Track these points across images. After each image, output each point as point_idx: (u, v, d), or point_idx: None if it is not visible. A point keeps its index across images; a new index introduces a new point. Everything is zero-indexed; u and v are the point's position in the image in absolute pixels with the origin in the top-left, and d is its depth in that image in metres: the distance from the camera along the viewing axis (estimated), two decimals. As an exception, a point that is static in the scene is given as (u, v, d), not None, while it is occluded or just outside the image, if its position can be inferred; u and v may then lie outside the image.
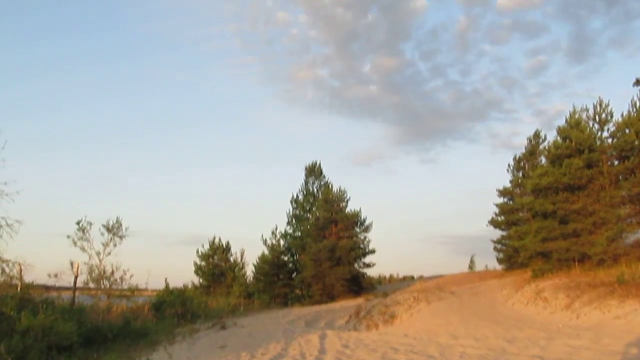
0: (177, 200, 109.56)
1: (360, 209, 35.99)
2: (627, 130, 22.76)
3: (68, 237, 22.30)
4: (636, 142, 21.91)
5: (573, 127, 24.39)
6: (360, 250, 35.17)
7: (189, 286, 35.81)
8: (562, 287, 18.41)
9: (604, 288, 16.37)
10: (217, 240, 40.27)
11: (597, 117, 24.74)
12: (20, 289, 16.14)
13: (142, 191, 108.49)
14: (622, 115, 23.52)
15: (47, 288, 19.09)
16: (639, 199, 21.70)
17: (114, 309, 21.07)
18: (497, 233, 33.78)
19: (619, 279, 16.58)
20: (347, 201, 36.68)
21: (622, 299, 14.75)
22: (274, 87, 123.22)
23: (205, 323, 21.43)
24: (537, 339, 12.03)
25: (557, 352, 10.35)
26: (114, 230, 23.06)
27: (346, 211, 35.88)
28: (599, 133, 24.67)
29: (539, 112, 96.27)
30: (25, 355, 12.26)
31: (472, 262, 49.90)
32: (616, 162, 23.46)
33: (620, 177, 22.96)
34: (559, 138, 25.19)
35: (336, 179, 73.09)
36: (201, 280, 39.33)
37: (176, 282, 36.43)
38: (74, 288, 20.16)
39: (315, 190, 40.60)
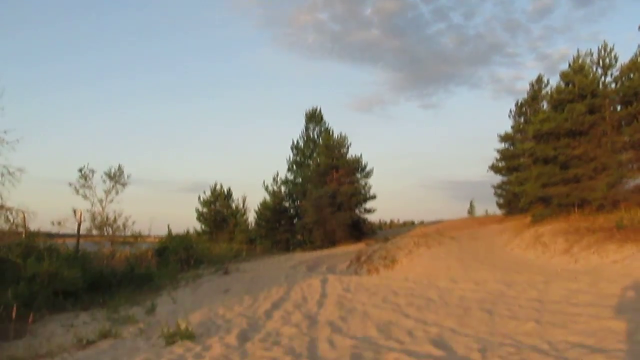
0: (178, 147, 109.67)
1: (361, 155, 35.79)
2: (631, 75, 22.34)
3: (70, 184, 22.41)
4: (640, 88, 21.55)
5: (577, 72, 23.90)
6: (361, 196, 35.24)
7: (192, 233, 36.18)
8: (561, 232, 18.55)
9: (603, 233, 16.49)
10: (218, 187, 40.37)
11: (601, 62, 24.19)
12: (25, 236, 16.33)
13: (143, 138, 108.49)
14: (629, 59, 23.00)
15: (51, 236, 19.26)
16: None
17: (117, 255, 21.37)
18: (498, 178, 33.80)
19: (618, 224, 16.69)
20: (348, 147, 36.47)
21: (621, 243, 14.88)
22: (274, 31, 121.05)
23: (208, 268, 21.78)
24: (535, 283, 12.20)
25: (555, 295, 10.50)
26: (116, 177, 23.15)
27: (347, 157, 35.71)
28: (603, 78, 24.21)
29: (543, 56, 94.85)
30: (32, 301, 12.51)
31: (471, 207, 50.35)
32: (619, 108, 23.16)
33: (623, 123, 22.71)
34: (561, 83, 24.79)
35: (337, 124, 72.29)
36: (203, 227, 39.64)
37: (178, 229, 36.91)
38: (78, 235, 20.37)
39: (315, 136, 40.30)
